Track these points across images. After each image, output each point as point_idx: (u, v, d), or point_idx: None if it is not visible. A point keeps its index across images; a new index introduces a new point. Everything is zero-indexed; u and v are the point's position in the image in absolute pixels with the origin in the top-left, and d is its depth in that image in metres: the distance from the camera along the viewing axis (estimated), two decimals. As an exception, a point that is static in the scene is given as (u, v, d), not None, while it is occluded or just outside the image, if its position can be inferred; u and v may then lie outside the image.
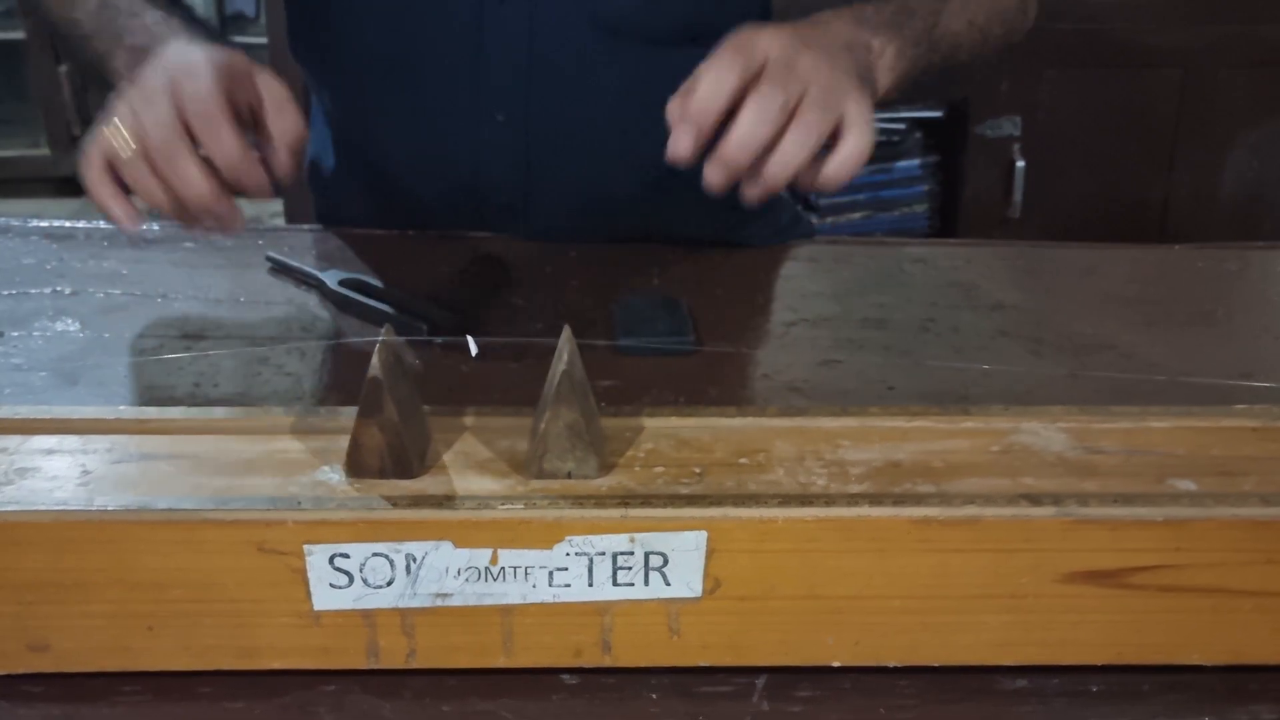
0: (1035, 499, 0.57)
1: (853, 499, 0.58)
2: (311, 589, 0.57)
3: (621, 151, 1.02)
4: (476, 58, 0.98)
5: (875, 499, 0.58)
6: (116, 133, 0.67)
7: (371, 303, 0.89)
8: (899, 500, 0.58)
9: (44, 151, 3.30)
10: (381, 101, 1.01)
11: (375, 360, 0.58)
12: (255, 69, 0.71)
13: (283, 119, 0.70)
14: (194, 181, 0.66)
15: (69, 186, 3.35)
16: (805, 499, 0.58)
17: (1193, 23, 2.04)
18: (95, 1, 0.86)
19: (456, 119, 1.00)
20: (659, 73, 0.87)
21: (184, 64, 0.69)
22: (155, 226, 1.04)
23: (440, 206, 1.04)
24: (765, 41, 0.68)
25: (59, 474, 0.59)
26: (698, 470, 0.60)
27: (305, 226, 1.08)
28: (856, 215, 2.26)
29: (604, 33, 0.97)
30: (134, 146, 0.67)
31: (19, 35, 3.17)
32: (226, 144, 0.66)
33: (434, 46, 0.98)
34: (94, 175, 0.70)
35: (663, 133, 0.73)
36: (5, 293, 0.92)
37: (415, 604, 0.58)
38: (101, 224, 1.04)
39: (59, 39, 0.90)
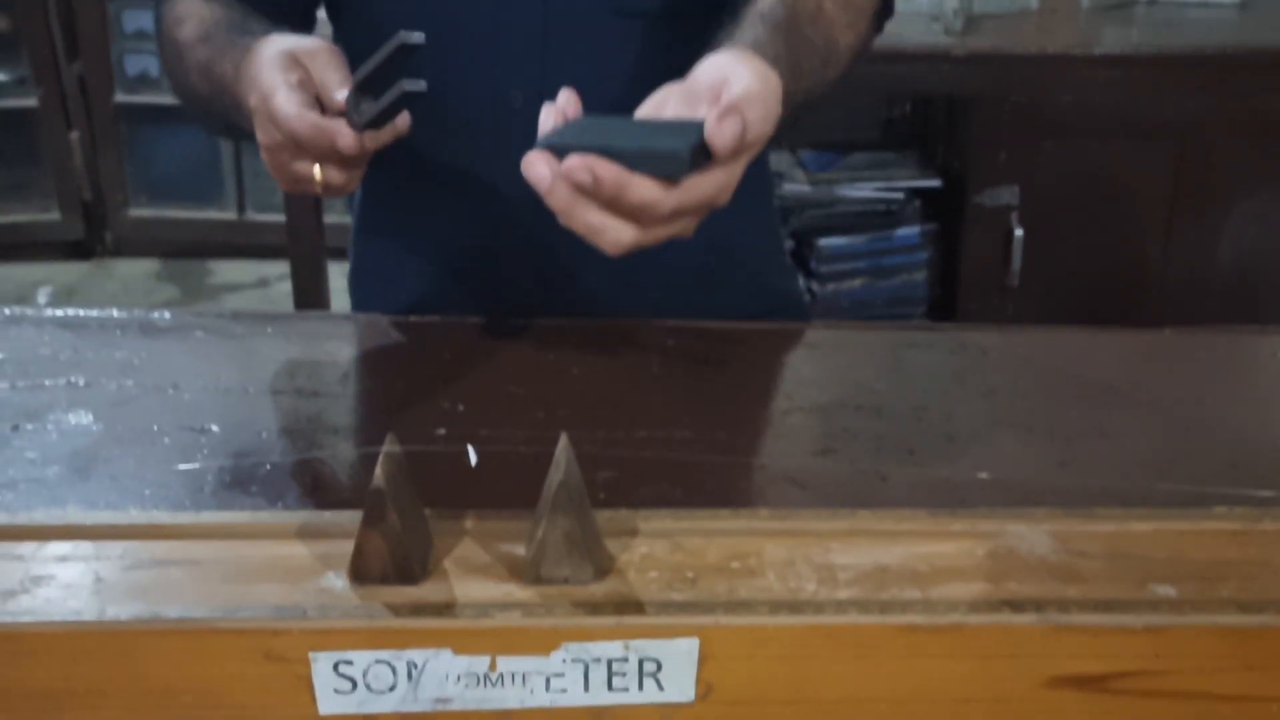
0: (1018, 605, 0.59)
1: (841, 606, 0.60)
2: (317, 695, 0.59)
3: None
4: (495, 39, 1.04)
5: (863, 605, 0.60)
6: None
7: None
8: (885, 607, 0.59)
9: (54, 216, 3.35)
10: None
11: (379, 470, 0.60)
12: (302, 54, 0.88)
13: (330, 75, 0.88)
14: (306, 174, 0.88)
15: (78, 250, 3.40)
16: (795, 606, 0.59)
17: (1185, 96, 2.07)
18: (196, 64, 0.99)
19: (475, 102, 1.05)
20: (668, 46, 0.95)
21: (261, 109, 0.87)
22: (167, 315, 1.07)
23: (456, 214, 1.09)
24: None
25: (73, 581, 0.61)
26: (691, 575, 0.62)
27: (314, 313, 1.10)
28: (857, 282, 2.28)
29: (616, 11, 1.03)
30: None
31: (33, 103, 3.22)
32: (305, 164, 0.87)
33: (455, 29, 1.03)
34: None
35: None
36: (20, 384, 0.95)
37: (417, 709, 0.59)
38: (114, 312, 1.06)
39: (200, 116, 1.05)
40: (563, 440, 0.62)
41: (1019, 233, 2.13)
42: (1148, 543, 0.65)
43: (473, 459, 0.64)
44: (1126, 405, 0.96)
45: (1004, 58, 2.07)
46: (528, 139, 1.04)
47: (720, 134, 0.67)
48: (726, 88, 0.72)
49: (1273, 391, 1.00)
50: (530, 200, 1.07)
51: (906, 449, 0.89)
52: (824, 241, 2.25)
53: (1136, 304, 2.16)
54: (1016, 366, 1.05)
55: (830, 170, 2.30)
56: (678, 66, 0.78)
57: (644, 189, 0.67)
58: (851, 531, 0.66)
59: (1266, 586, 0.61)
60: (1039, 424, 0.93)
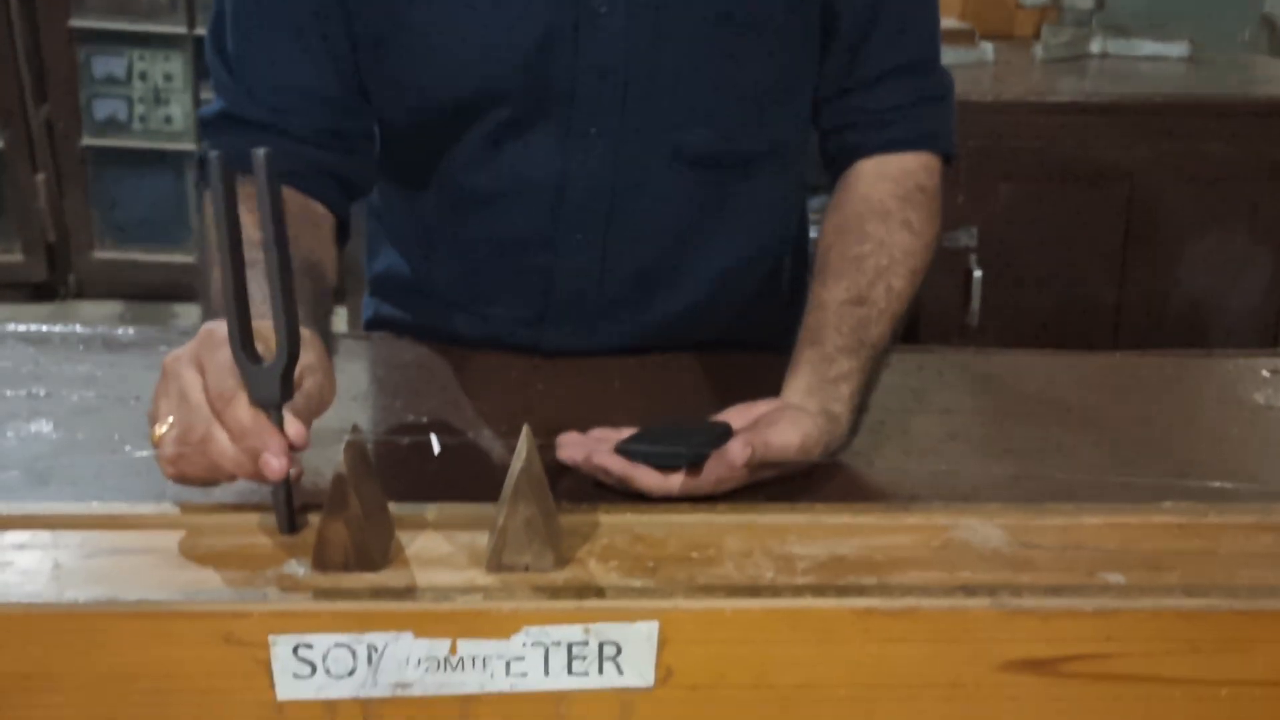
0: (971, 590, 0.60)
1: (798, 590, 0.60)
2: (275, 679, 0.59)
3: (688, 262, 1.09)
4: (561, 186, 1.02)
5: (819, 590, 0.60)
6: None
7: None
8: (842, 591, 0.60)
9: (17, 258, 3.33)
10: (466, 223, 1.06)
11: (342, 458, 0.60)
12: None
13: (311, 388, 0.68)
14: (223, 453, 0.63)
15: (41, 291, 3.39)
16: (753, 591, 0.60)
17: (1137, 140, 2.12)
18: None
19: (537, 239, 1.05)
20: (728, 194, 1.07)
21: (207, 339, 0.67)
22: (131, 331, 1.07)
23: (510, 319, 1.09)
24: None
25: (30, 568, 0.61)
26: (651, 564, 0.63)
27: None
28: (820, 323, 2.31)
29: (683, 163, 1.03)
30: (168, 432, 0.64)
31: (-1, 144, 3.22)
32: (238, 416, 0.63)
33: (521, 178, 1.02)
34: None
35: (729, 246, 1.08)
36: (-20, 395, 0.95)
37: (376, 694, 0.59)
38: (77, 328, 1.06)
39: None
40: (525, 431, 0.63)
41: (978, 274, 2.15)
42: (1097, 535, 0.66)
43: (435, 448, 0.65)
44: (1080, 423, 0.98)
45: (960, 104, 2.11)
46: (585, 274, 1.03)
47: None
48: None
49: (1218, 409, 1.02)
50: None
51: (866, 461, 0.91)
52: (787, 283, 2.28)
53: (1093, 341, 2.19)
54: (973, 386, 1.07)
55: (793, 213, 2.33)
56: (728, 209, 1.04)
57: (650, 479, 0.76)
58: (809, 525, 0.67)
59: (1212, 573, 0.62)
60: (995, 439, 0.95)
